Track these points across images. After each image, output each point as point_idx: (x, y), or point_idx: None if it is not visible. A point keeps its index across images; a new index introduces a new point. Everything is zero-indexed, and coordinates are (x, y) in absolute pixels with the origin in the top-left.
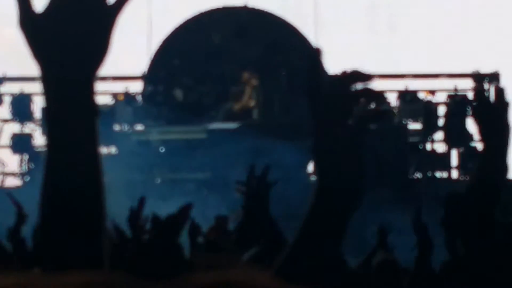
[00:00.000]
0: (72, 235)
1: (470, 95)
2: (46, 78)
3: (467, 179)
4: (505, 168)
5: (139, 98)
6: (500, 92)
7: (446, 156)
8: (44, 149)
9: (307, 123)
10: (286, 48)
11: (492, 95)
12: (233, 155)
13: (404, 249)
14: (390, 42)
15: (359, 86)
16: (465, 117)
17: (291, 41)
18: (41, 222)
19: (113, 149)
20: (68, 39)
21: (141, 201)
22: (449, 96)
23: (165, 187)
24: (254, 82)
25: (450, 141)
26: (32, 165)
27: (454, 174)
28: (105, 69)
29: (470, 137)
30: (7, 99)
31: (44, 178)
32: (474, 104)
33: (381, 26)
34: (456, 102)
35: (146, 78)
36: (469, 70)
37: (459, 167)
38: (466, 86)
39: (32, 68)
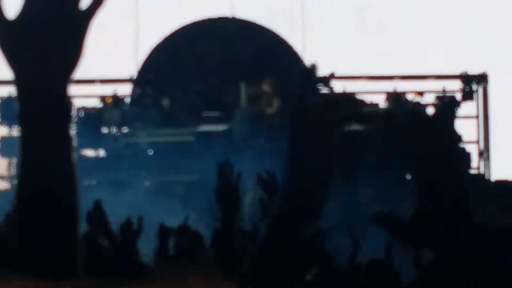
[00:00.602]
0: (46, 236)
1: (459, 96)
2: (19, 83)
3: None
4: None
5: (127, 101)
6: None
7: None
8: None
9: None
10: (273, 57)
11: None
12: (221, 157)
13: None
14: (378, 44)
15: (345, 111)
16: (454, 119)
17: (278, 51)
18: (17, 224)
19: (101, 152)
20: (41, 45)
21: (97, 205)
22: (437, 98)
23: (154, 189)
24: (273, 89)
25: None
26: None
27: None
28: (93, 72)
29: (458, 139)
30: None
31: (18, 181)
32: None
33: (369, 28)
34: (444, 103)
35: (135, 81)
36: (457, 71)
37: None
38: (454, 87)
39: None
